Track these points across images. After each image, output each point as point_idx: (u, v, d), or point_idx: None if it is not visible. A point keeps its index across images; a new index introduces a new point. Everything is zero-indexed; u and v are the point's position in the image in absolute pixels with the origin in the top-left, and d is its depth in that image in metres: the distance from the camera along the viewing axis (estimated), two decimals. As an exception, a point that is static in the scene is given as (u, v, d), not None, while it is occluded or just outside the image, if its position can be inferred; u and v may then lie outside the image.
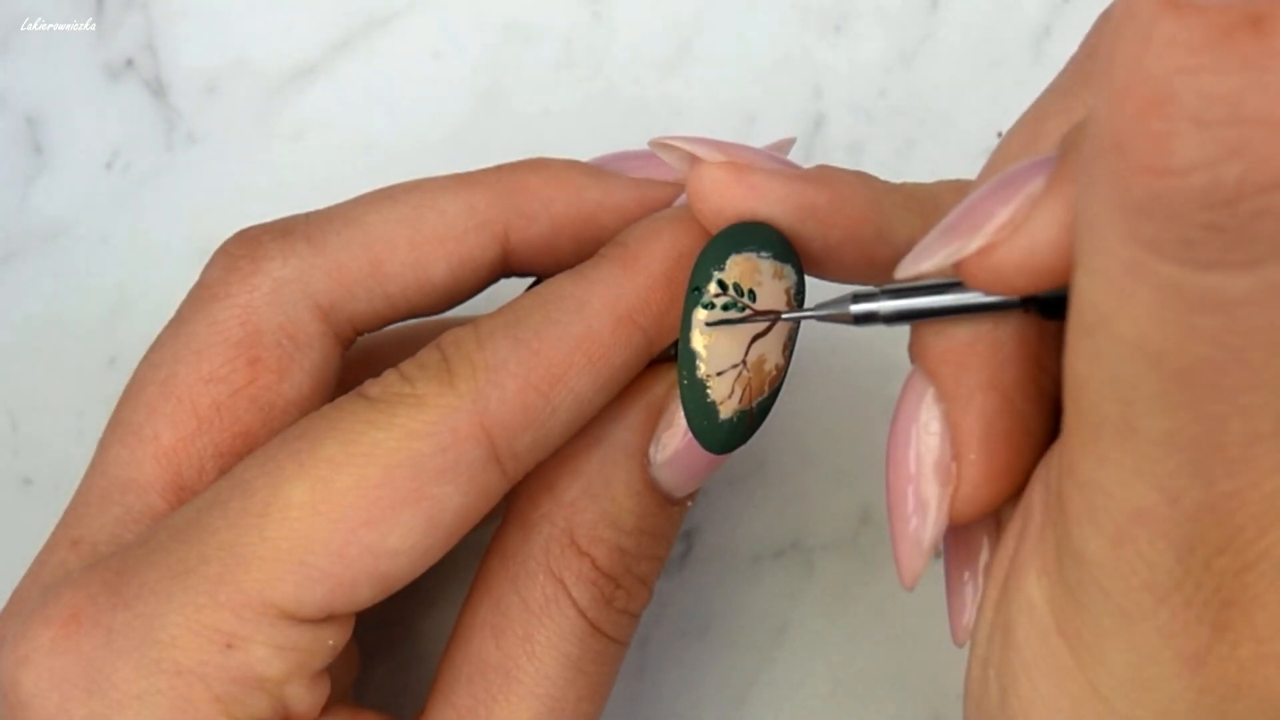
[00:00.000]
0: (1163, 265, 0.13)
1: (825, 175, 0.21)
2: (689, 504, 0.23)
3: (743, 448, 0.22)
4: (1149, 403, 0.14)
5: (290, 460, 0.20)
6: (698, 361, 0.20)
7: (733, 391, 0.20)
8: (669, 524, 0.23)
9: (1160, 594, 0.15)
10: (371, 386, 0.20)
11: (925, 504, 0.19)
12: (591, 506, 0.22)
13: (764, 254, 0.20)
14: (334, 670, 0.23)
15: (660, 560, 0.23)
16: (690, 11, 0.32)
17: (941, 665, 0.28)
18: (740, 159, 0.21)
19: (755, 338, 0.20)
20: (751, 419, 0.21)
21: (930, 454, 0.19)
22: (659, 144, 0.21)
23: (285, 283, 0.22)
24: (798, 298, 0.21)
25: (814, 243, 0.21)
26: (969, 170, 0.30)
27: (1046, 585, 0.16)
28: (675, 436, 0.22)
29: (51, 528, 0.22)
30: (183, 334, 0.23)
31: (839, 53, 0.31)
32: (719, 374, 0.20)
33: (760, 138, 0.31)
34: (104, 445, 0.23)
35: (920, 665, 0.28)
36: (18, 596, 0.21)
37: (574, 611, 0.21)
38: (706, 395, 0.20)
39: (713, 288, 0.20)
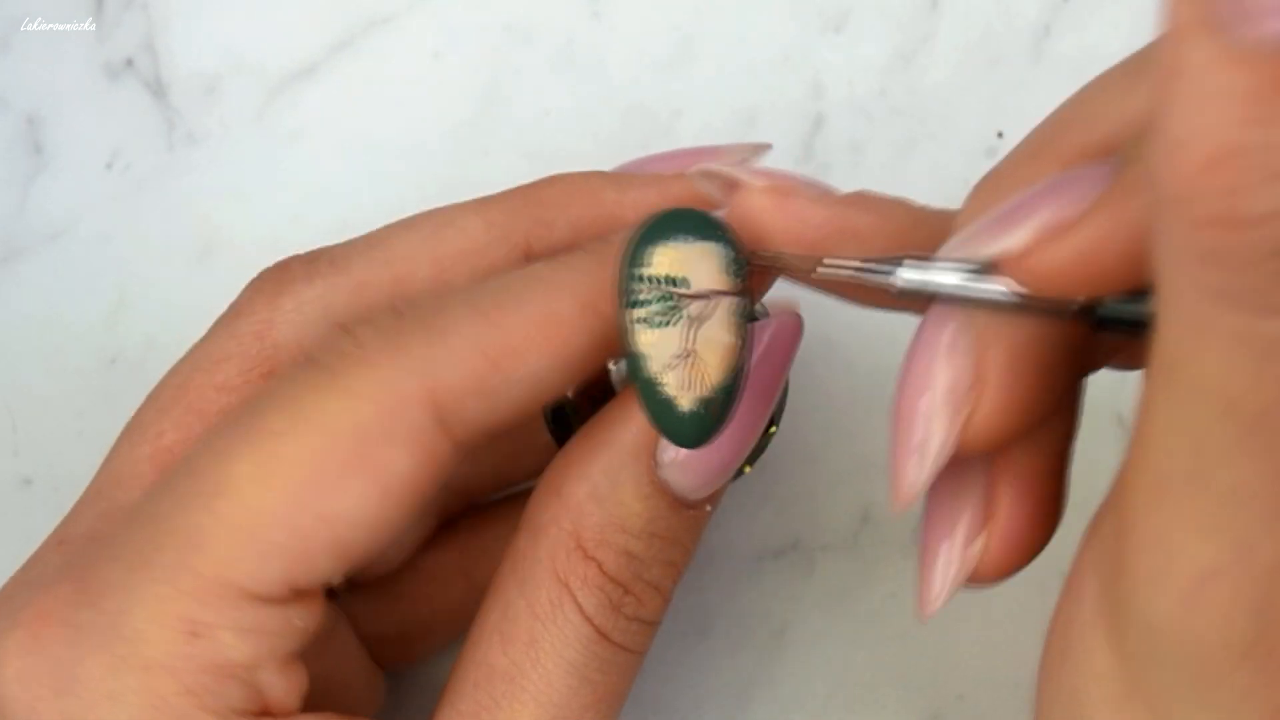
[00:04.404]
0: (1233, 313, 0.12)
1: (865, 200, 0.21)
2: (709, 508, 0.22)
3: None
4: (1220, 452, 0.14)
5: (237, 436, 0.20)
6: (644, 362, 0.20)
7: (686, 381, 0.20)
8: (684, 528, 0.22)
9: (1236, 655, 0.14)
10: (319, 349, 0.20)
11: (934, 426, 0.18)
12: (598, 509, 0.21)
13: (686, 238, 0.20)
14: (354, 696, 0.23)
15: (676, 566, 0.22)
16: (690, 11, 0.32)
17: (941, 665, 0.28)
18: (782, 185, 0.21)
19: (697, 322, 0.20)
20: (717, 405, 0.20)
21: (951, 376, 0.18)
22: (701, 171, 0.21)
23: (307, 301, 0.23)
24: (734, 268, 0.20)
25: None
26: (969, 170, 0.30)
27: (1113, 652, 0.16)
28: None
29: (51, 527, 0.22)
30: (205, 346, 0.23)
31: (839, 53, 0.31)
32: (668, 368, 0.20)
33: (760, 137, 0.31)
34: (114, 445, 0.23)
35: (920, 665, 0.28)
36: (2, 597, 0.21)
37: (579, 617, 0.21)
38: (659, 392, 0.20)
39: (641, 286, 0.20)
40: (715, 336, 0.20)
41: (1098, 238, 0.16)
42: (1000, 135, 0.31)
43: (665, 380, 0.20)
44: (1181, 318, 0.13)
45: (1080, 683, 0.17)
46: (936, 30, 0.31)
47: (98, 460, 0.23)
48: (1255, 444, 0.13)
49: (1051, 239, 0.16)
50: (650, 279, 0.20)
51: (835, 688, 0.29)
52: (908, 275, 0.18)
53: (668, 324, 0.20)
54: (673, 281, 0.20)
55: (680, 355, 0.20)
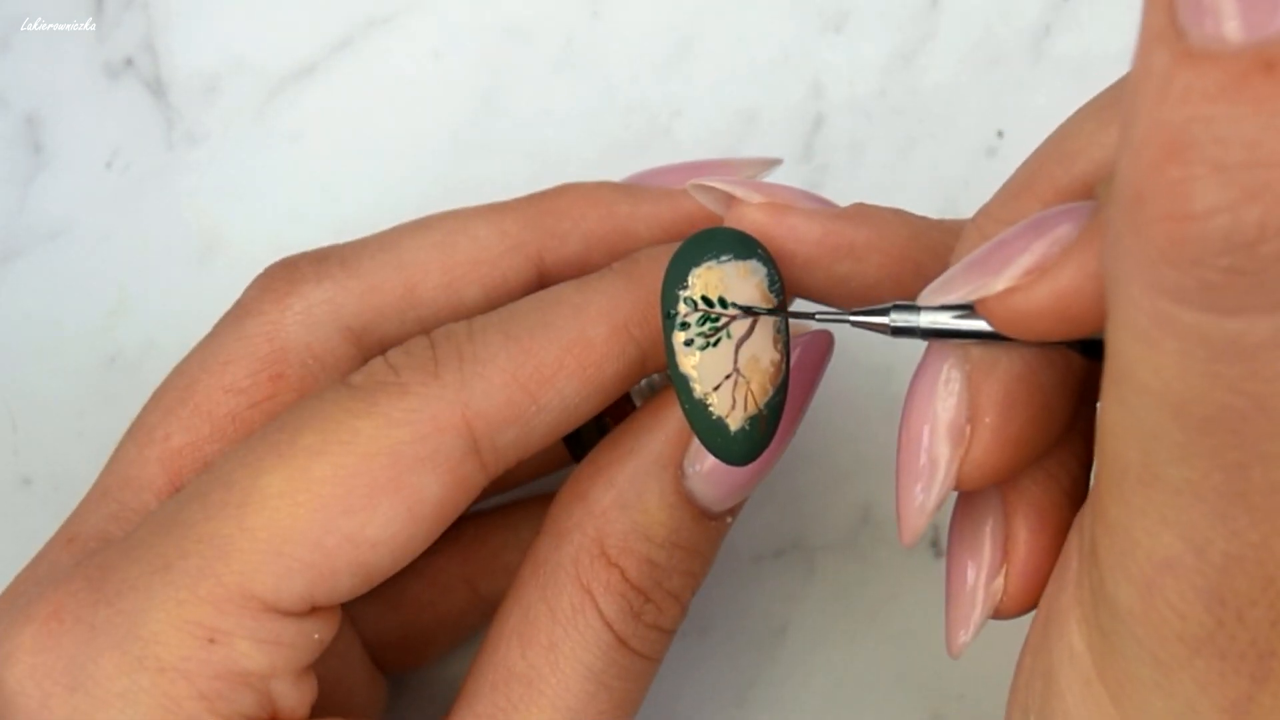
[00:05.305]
0: (1186, 313, 0.13)
1: (863, 213, 0.21)
2: (729, 520, 0.23)
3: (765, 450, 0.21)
4: (1171, 451, 0.14)
5: (270, 451, 0.20)
6: (691, 384, 0.20)
7: (734, 402, 0.20)
8: (705, 540, 0.22)
9: (1193, 645, 0.15)
10: (356, 374, 0.20)
11: (935, 462, 0.18)
12: (623, 517, 0.21)
13: (724, 258, 0.20)
14: (357, 699, 0.22)
15: (695, 576, 0.22)
16: (689, 11, 0.32)
17: (941, 665, 0.28)
18: (778, 199, 0.21)
19: (740, 341, 0.20)
20: (765, 422, 0.20)
21: (947, 412, 0.18)
22: (697, 186, 0.22)
23: (317, 304, 0.23)
24: (774, 288, 0.20)
25: (852, 281, 0.21)
26: (969, 170, 0.31)
27: (1086, 633, 0.16)
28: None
29: (51, 527, 0.22)
30: (211, 346, 0.23)
31: (839, 52, 0.31)
32: (715, 389, 0.20)
33: (760, 137, 0.31)
34: (118, 445, 0.23)
35: (920, 665, 0.28)
36: (10, 593, 0.21)
37: (600, 623, 0.21)
38: (710, 413, 0.20)
39: (683, 308, 0.20)
40: (759, 355, 0.20)
41: (1073, 281, 0.16)
42: (1000, 135, 0.31)
43: (714, 401, 0.20)
44: (1134, 323, 0.13)
45: (1056, 662, 0.17)
46: (936, 30, 0.31)
47: (98, 460, 0.23)
48: (1203, 445, 0.13)
49: (1028, 283, 0.16)
50: (693, 301, 0.20)
51: (835, 688, 0.29)
52: (899, 319, 0.19)
53: (713, 345, 0.20)
54: (712, 303, 0.20)
55: (727, 375, 0.20)
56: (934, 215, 0.32)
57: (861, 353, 0.30)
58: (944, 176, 0.31)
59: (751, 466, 0.21)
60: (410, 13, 0.32)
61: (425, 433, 0.20)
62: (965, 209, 0.30)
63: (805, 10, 0.31)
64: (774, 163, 0.25)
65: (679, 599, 0.22)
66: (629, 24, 0.32)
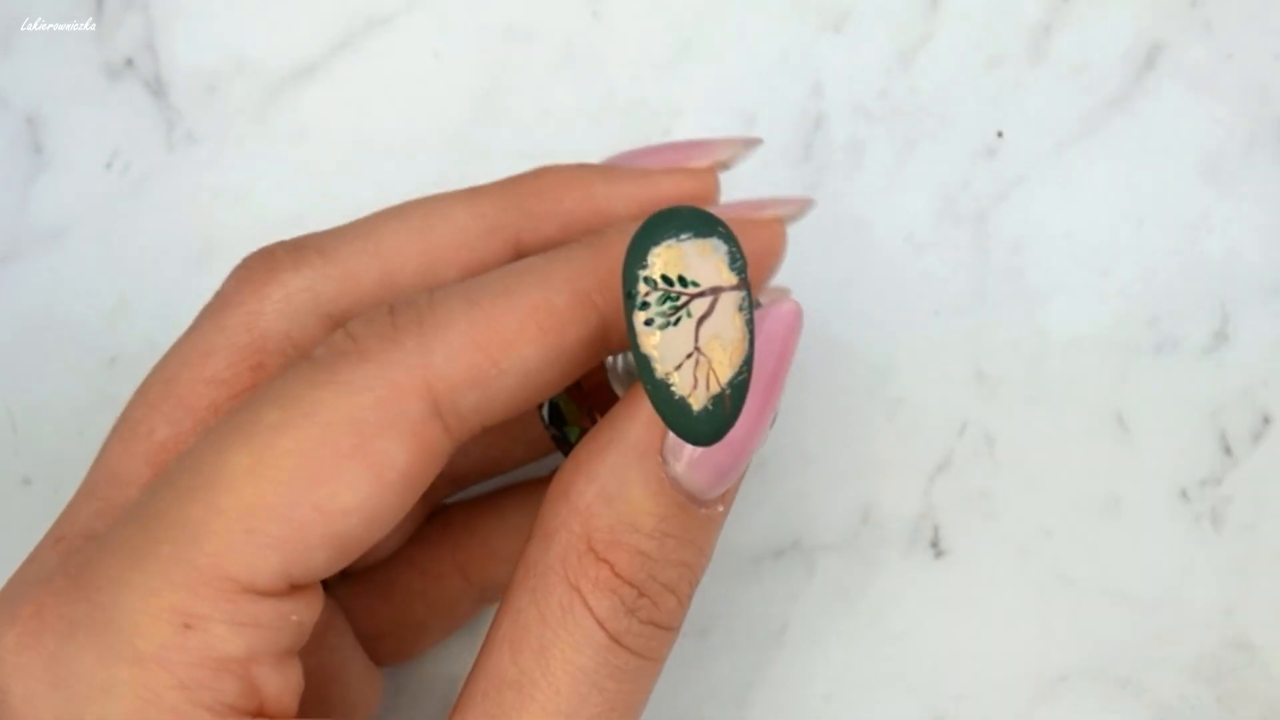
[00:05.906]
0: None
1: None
2: (721, 508, 0.22)
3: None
4: None
5: (234, 431, 0.20)
6: (653, 364, 0.20)
7: (696, 381, 0.20)
8: (697, 528, 0.21)
9: None
10: (319, 347, 0.20)
11: None
12: (608, 510, 0.21)
13: (684, 236, 0.20)
14: (353, 693, 0.22)
15: (691, 568, 0.22)
16: (690, 11, 0.32)
17: (941, 665, 0.28)
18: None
19: (701, 319, 0.20)
20: (729, 400, 0.20)
21: None
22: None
23: (296, 292, 0.22)
24: (736, 266, 0.20)
25: None
26: (969, 170, 0.31)
27: None
28: None
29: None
30: (191, 338, 0.23)
31: (839, 53, 0.31)
32: (677, 368, 0.20)
33: (760, 137, 0.31)
34: (105, 443, 0.23)
35: (920, 665, 0.28)
36: (1, 596, 0.21)
37: (590, 621, 0.20)
38: (672, 393, 0.20)
39: (643, 287, 0.20)
40: (721, 332, 0.20)
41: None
42: (1000, 135, 0.31)
43: (675, 380, 0.20)
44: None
45: None
46: (936, 30, 0.31)
47: (98, 460, 0.23)
48: None
49: None
50: (652, 280, 0.20)
51: (835, 688, 0.29)
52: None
53: (673, 324, 0.20)
54: (674, 281, 0.20)
55: (688, 354, 0.20)
56: (933, 216, 0.32)
57: (861, 352, 0.30)
58: (944, 176, 0.31)
59: (733, 448, 0.21)
60: (410, 13, 0.32)
61: (386, 398, 0.19)
62: (965, 209, 0.30)
63: (805, 10, 0.31)
64: (754, 142, 0.25)
65: (675, 592, 0.21)
66: (629, 24, 0.32)
